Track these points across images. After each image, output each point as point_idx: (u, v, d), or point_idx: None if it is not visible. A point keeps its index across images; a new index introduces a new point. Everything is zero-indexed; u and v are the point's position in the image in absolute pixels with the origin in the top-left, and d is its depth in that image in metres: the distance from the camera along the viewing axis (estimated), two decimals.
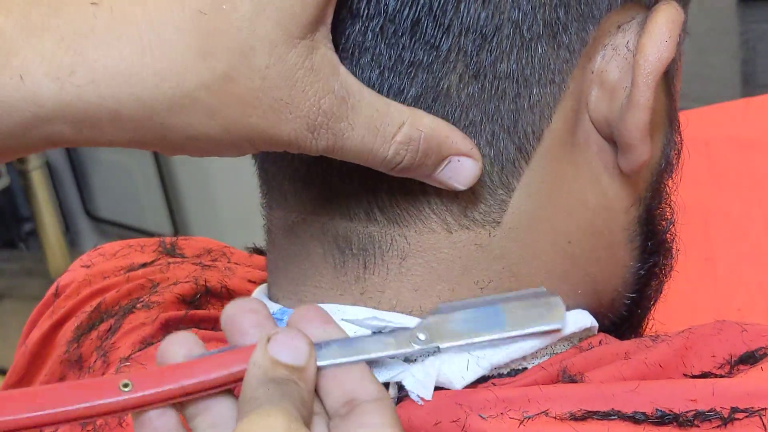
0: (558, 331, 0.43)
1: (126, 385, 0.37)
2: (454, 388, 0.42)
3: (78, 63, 0.35)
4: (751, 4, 1.58)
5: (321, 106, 0.37)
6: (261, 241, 0.51)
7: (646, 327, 0.53)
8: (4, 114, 0.35)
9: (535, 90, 0.42)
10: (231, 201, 2.41)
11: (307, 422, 0.36)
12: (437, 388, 0.42)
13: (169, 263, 0.61)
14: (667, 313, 0.54)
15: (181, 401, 0.37)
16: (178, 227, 2.55)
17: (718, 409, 0.39)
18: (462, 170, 0.41)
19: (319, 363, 0.38)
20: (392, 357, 0.41)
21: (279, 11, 0.36)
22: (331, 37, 0.38)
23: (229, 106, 0.36)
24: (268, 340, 0.37)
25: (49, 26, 0.35)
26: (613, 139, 0.44)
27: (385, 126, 0.39)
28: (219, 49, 0.35)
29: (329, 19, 0.38)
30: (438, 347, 0.41)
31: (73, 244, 2.80)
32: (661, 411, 0.39)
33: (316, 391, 0.38)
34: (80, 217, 2.86)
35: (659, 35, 0.42)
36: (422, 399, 0.41)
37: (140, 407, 0.37)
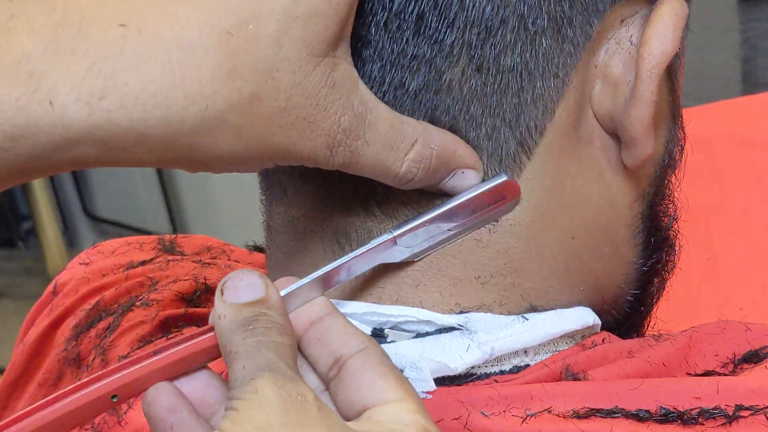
0: (509, 183, 0.43)
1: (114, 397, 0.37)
2: (451, 369, 0.41)
3: (108, 88, 0.34)
4: (752, 3, 1.58)
5: (341, 124, 0.38)
6: (261, 239, 0.51)
7: (648, 325, 0.53)
8: (33, 137, 0.34)
9: (538, 84, 0.42)
10: (230, 199, 2.41)
11: (292, 356, 0.36)
12: (439, 382, 0.42)
13: (168, 261, 0.61)
14: (669, 312, 0.54)
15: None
16: (177, 226, 2.55)
17: (723, 407, 0.39)
18: (465, 180, 0.42)
19: (282, 292, 0.38)
20: (346, 261, 0.41)
21: (304, 30, 0.36)
22: (350, 51, 0.39)
23: (254, 125, 0.36)
24: (222, 292, 0.37)
25: (77, 50, 0.35)
26: (616, 134, 0.44)
27: (399, 143, 0.39)
28: (246, 69, 0.36)
29: (349, 33, 0.38)
30: (392, 233, 0.42)
31: (72, 244, 2.80)
32: (665, 409, 0.39)
33: (308, 360, 0.38)
34: (79, 217, 2.87)
35: (663, 29, 0.42)
36: (428, 393, 0.41)
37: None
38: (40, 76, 0.34)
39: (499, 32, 0.40)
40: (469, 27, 0.40)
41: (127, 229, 2.66)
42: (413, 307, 0.43)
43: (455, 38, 0.40)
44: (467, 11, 0.40)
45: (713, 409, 0.39)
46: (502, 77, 0.41)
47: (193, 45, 0.35)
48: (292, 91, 0.36)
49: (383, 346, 0.42)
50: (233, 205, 2.37)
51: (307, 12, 0.36)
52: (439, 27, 0.40)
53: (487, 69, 0.41)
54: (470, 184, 0.42)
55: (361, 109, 0.38)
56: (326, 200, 0.44)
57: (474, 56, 0.40)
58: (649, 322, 0.53)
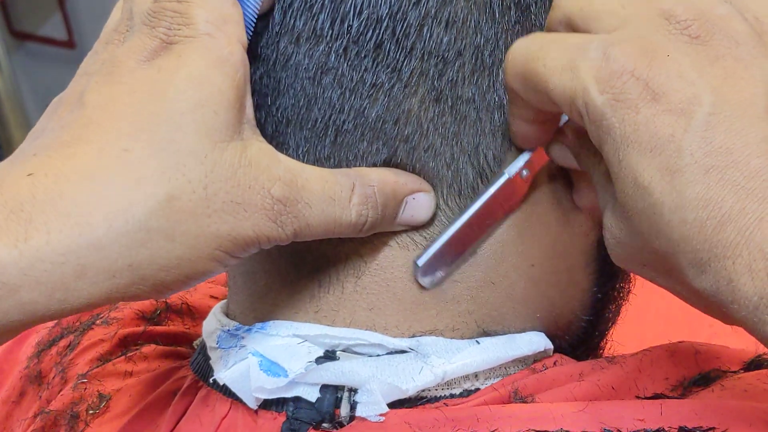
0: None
1: None
2: (402, 391, 0.42)
3: (31, 229, 0.34)
4: None
5: (273, 195, 0.38)
6: None
7: (605, 349, 0.53)
8: None
9: (495, 115, 0.42)
10: None
11: None
12: (388, 404, 0.42)
13: None
14: (642, 327, 0.54)
15: None
16: None
17: (666, 429, 0.39)
18: (419, 206, 0.42)
19: None
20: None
21: (196, 122, 0.36)
22: (259, 132, 0.39)
23: (182, 222, 0.36)
24: None
25: None
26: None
27: (339, 192, 0.40)
28: (150, 174, 0.36)
29: (251, 116, 0.39)
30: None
31: None
32: (608, 430, 0.39)
33: None
34: None
35: None
36: (381, 415, 0.42)
37: None
38: None
39: (456, 63, 0.41)
40: (426, 57, 0.40)
41: None
42: (366, 330, 0.43)
43: (413, 68, 0.40)
44: (425, 41, 0.40)
45: (656, 430, 0.39)
46: (460, 108, 0.41)
47: (96, 171, 0.35)
48: (206, 179, 0.36)
49: (336, 363, 0.42)
50: None
51: (191, 106, 0.36)
52: (397, 56, 0.40)
53: (445, 99, 0.41)
54: (426, 206, 0.42)
55: (289, 176, 0.38)
56: None
57: (432, 86, 0.41)
58: (605, 345, 0.53)
